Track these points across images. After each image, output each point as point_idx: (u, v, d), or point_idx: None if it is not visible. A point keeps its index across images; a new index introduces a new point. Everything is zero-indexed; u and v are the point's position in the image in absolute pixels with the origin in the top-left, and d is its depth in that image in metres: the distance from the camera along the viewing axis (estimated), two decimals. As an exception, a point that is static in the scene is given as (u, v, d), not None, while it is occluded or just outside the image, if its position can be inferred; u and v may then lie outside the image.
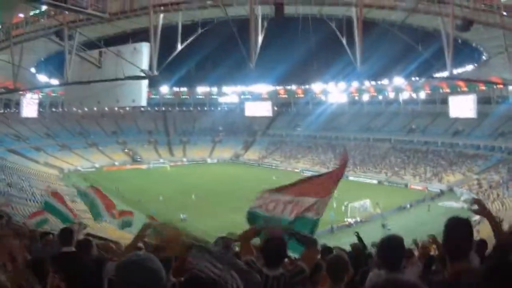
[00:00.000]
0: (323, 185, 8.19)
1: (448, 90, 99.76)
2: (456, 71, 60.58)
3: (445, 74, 40.98)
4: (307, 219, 7.79)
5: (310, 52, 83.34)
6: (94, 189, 23.90)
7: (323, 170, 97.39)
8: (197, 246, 4.23)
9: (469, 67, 68.89)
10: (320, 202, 7.91)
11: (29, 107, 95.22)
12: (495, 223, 5.80)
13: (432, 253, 9.83)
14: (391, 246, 5.04)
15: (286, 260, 5.99)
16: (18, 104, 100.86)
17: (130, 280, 2.87)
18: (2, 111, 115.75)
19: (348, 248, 12.19)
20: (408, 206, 66.08)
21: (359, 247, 11.33)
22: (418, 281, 2.84)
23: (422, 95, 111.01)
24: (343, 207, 60.17)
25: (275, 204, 7.73)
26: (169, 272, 4.82)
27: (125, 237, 34.09)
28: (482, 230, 42.64)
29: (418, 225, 50.54)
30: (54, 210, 22.02)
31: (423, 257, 8.81)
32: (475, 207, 5.81)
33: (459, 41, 41.46)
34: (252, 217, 7.73)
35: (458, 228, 4.14)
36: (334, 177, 8.36)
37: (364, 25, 29.65)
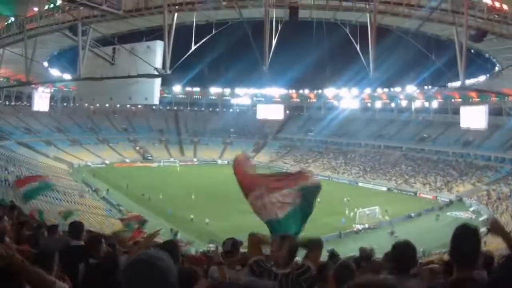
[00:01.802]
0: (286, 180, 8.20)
1: (460, 100, 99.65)
2: (468, 82, 60.43)
3: (457, 84, 40.86)
4: (293, 213, 7.83)
5: (323, 56, 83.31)
6: None
7: (334, 175, 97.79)
8: None
9: (482, 78, 68.72)
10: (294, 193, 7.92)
11: (41, 101, 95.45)
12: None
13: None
14: (403, 250, 5.10)
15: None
16: (29, 98, 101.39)
17: (137, 281, 2.62)
18: (13, 103, 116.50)
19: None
20: (417, 214, 65.80)
21: (368, 253, 11.32)
22: (399, 282, 2.86)
23: (434, 104, 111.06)
24: (351, 214, 60.22)
25: (261, 204, 7.75)
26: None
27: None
28: (490, 243, 42.64)
29: (426, 234, 50.45)
30: (36, 191, 22.11)
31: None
32: (494, 224, 5.68)
33: (472, 51, 41.38)
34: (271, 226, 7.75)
35: (466, 236, 4.14)
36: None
37: (378, 32, 29.63)
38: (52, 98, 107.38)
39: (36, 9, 35.69)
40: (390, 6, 30.48)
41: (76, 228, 8.42)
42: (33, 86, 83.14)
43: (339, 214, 59.24)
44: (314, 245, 5.93)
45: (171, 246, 6.12)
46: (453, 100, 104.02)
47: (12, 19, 38.09)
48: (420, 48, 37.14)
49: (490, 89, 66.13)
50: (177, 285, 2.69)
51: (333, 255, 10.89)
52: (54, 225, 12.05)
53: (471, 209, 69.17)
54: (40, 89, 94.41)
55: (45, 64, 61.48)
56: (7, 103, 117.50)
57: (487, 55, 48.65)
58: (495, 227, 5.57)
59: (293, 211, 7.61)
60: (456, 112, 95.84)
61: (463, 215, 64.41)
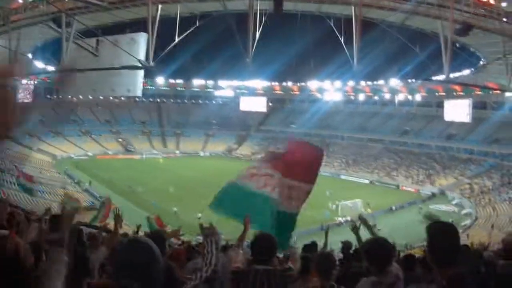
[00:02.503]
0: (303, 166, 8.16)
1: (443, 94, 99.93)
2: (452, 75, 60.52)
3: (441, 77, 40.97)
4: (287, 216, 7.79)
5: (307, 49, 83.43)
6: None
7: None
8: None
9: (466, 72, 68.95)
10: (301, 191, 7.87)
11: (24, 92, 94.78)
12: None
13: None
14: (378, 249, 5.07)
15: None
16: (13, 89, 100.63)
17: (134, 258, 2.97)
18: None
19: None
20: (399, 207, 66.14)
21: (350, 245, 11.47)
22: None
23: (418, 97, 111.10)
24: (333, 206, 60.29)
25: (257, 177, 7.71)
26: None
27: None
28: (473, 236, 42.76)
29: (409, 227, 50.75)
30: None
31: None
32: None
33: (457, 45, 41.47)
34: (232, 191, 7.71)
35: (443, 234, 3.96)
36: (314, 165, 8.33)
37: (363, 25, 29.64)
38: (35, 90, 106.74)
39: (21, 0, 35.43)
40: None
41: (56, 220, 8.21)
42: (16, 78, 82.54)
43: (321, 207, 59.21)
44: (292, 253, 5.97)
45: (157, 235, 6.35)
46: (437, 93, 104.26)
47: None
48: (404, 41, 37.26)
49: (474, 83, 66.43)
50: (161, 262, 3.08)
51: (313, 246, 11.02)
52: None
53: (454, 202, 69.56)
54: (24, 81, 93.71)
55: (29, 56, 61.01)
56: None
57: (472, 49, 48.83)
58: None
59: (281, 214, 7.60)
60: (440, 105, 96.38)
61: (446, 208, 64.81)
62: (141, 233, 14.84)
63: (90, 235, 10.41)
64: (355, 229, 7.19)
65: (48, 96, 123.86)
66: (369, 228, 6.94)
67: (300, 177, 8.05)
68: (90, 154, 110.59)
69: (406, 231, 47.74)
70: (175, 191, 68.64)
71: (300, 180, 8.04)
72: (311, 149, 9.36)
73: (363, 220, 7.29)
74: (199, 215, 54.39)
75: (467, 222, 58.77)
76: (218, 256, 4.27)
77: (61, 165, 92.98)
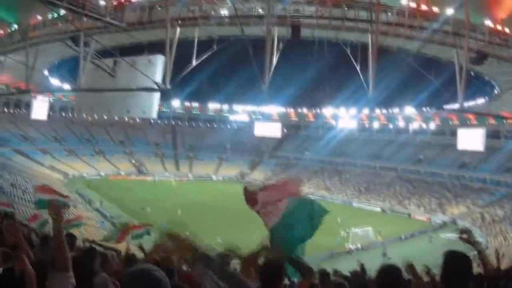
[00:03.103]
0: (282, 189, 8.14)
1: (457, 122, 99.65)
2: (467, 104, 60.55)
3: (455, 106, 40.92)
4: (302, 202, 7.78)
5: (323, 75, 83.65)
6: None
7: (328, 195, 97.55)
8: (204, 257, 4.30)
9: (480, 100, 68.92)
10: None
11: (39, 109, 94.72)
12: (483, 256, 5.96)
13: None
14: (389, 275, 5.03)
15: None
16: (28, 106, 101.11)
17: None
18: (11, 111, 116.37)
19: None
20: (410, 236, 65.61)
21: (359, 275, 11.31)
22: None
23: (432, 126, 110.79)
24: (345, 233, 60.07)
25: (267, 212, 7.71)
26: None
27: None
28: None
29: (419, 256, 50.28)
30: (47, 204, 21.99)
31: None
32: (464, 235, 6.35)
33: (472, 73, 41.42)
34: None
35: (456, 261, 4.16)
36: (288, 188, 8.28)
37: (379, 52, 29.74)
38: (50, 107, 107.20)
39: (39, 17, 35.81)
40: (392, 27, 30.62)
41: (69, 240, 8.23)
42: (32, 94, 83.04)
43: (332, 233, 59.06)
44: (308, 273, 5.90)
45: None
46: (451, 122, 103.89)
47: (15, 26, 38.20)
48: (419, 69, 37.25)
49: (488, 112, 66.25)
50: None
51: (325, 276, 10.86)
52: (46, 236, 11.88)
53: (464, 231, 68.94)
54: (39, 97, 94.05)
55: (46, 72, 61.50)
56: (5, 110, 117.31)
57: (486, 78, 48.78)
58: (467, 235, 6.54)
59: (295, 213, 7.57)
60: (454, 134, 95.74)
61: (456, 238, 64.35)
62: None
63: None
64: (467, 239, 6.85)
65: (63, 114, 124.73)
66: (473, 244, 6.73)
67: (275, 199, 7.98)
68: (102, 174, 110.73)
69: (416, 260, 47.37)
70: (185, 214, 68.44)
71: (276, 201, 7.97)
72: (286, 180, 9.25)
73: (468, 233, 7.04)
74: (219, 240, 54.17)
75: (476, 252, 58.29)
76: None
77: (73, 183, 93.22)
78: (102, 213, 68.98)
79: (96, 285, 6.04)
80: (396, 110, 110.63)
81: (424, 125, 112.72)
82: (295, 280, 8.86)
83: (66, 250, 4.41)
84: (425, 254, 50.72)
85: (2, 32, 40.02)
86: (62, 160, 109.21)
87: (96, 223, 60.13)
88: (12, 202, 48.50)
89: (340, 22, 30.89)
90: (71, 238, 8.63)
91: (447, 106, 65.42)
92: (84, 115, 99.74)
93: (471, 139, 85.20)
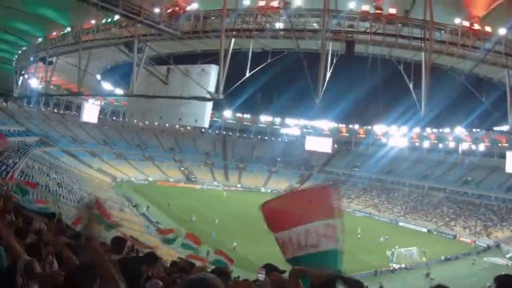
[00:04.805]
0: (318, 204, 7.74)
1: (506, 145, 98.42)
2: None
3: (505, 127, 40.19)
4: (328, 252, 7.44)
5: (375, 92, 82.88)
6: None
7: (375, 213, 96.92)
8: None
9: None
10: (329, 225, 7.47)
11: (90, 112, 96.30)
12: None
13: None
14: None
15: None
16: (78, 108, 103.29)
17: None
18: (62, 112, 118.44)
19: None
20: (454, 258, 64.61)
21: None
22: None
23: (481, 147, 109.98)
24: (389, 252, 59.42)
25: (288, 242, 7.37)
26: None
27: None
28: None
29: (462, 278, 49.69)
30: (96, 216, 22.17)
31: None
32: None
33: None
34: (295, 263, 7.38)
35: (509, 285, 4.18)
36: (325, 198, 7.85)
37: (431, 70, 29.38)
38: (101, 111, 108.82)
39: (93, 21, 36.16)
40: (445, 46, 30.06)
41: (118, 242, 8.46)
42: (83, 97, 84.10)
43: (375, 252, 58.56)
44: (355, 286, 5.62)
45: (221, 272, 7.21)
46: (500, 144, 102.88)
47: (68, 29, 38.63)
48: (471, 89, 36.71)
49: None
50: None
51: None
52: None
53: (508, 255, 67.58)
54: (91, 100, 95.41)
55: (98, 76, 62.21)
56: (55, 110, 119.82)
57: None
58: None
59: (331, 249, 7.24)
60: (502, 156, 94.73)
61: (499, 261, 63.28)
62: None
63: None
64: None
65: (114, 118, 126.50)
66: None
67: (313, 217, 7.58)
68: (150, 179, 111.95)
69: (459, 282, 46.71)
70: (232, 224, 68.42)
71: (314, 219, 7.57)
72: (315, 189, 8.85)
73: None
74: (235, 244, 54.05)
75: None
76: None
77: (120, 187, 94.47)
78: (148, 218, 69.39)
79: None
80: (446, 129, 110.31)
81: (473, 146, 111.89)
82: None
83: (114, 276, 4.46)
84: (467, 276, 50.18)
85: (55, 33, 40.59)
86: (110, 163, 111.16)
87: (141, 227, 60.48)
88: (57, 201, 49.16)
89: (393, 39, 30.46)
90: (119, 240, 8.63)
91: (497, 128, 64.46)
92: (135, 121, 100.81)
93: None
